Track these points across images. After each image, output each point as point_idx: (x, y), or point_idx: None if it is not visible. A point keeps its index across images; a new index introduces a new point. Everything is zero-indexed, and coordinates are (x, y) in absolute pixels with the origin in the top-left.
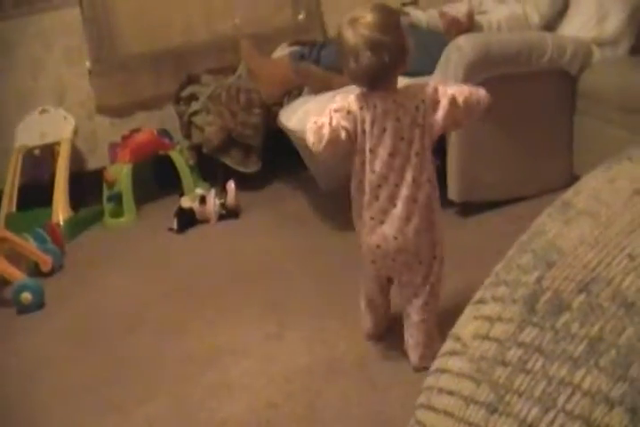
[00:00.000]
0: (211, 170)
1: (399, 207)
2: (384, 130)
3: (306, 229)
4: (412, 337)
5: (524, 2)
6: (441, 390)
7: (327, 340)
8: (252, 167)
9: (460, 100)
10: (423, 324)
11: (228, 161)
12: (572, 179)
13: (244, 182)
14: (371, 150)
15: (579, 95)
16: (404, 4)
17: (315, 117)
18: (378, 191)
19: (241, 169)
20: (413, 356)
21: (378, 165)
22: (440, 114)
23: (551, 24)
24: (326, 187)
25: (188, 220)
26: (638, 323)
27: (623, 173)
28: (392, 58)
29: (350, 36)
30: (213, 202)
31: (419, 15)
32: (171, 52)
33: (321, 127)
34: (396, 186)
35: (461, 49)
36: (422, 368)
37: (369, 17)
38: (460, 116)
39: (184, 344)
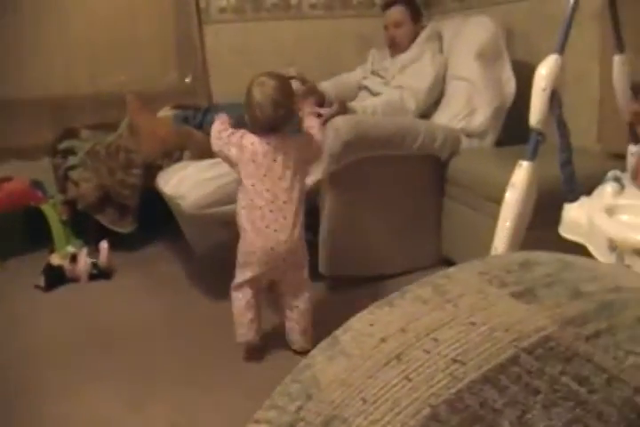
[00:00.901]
0: (85, 227)
1: (288, 219)
2: (274, 160)
3: (178, 294)
4: (299, 324)
5: (402, 89)
6: None
7: (189, 410)
8: (128, 228)
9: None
10: (308, 312)
11: (102, 219)
12: (440, 259)
13: (119, 242)
14: (264, 175)
15: (447, 180)
16: (289, 78)
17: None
18: (271, 206)
19: (116, 229)
20: (301, 340)
21: (270, 187)
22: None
23: (426, 112)
24: (200, 251)
25: (56, 278)
26: None
27: (381, 318)
28: (285, 113)
29: (258, 94)
30: (85, 261)
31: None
32: (52, 103)
33: (219, 138)
34: (284, 202)
35: (338, 129)
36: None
37: (272, 82)
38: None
39: (41, 412)
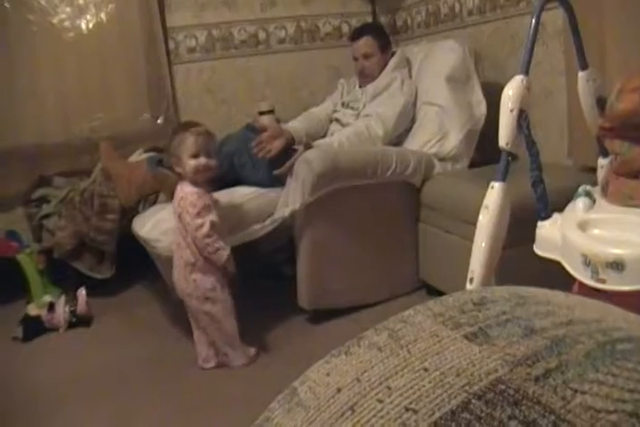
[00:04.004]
0: (62, 275)
1: (179, 260)
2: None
3: (159, 338)
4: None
5: (369, 117)
6: None
7: None
8: (106, 273)
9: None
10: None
11: (80, 266)
12: (419, 284)
13: (98, 288)
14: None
15: (422, 205)
16: (262, 113)
17: None
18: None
19: (94, 275)
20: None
21: (176, 231)
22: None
23: (397, 139)
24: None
25: (34, 328)
26: None
27: (337, 367)
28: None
29: None
30: (63, 309)
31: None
32: (23, 152)
33: None
34: (177, 245)
35: (310, 162)
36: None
37: None
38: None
39: None
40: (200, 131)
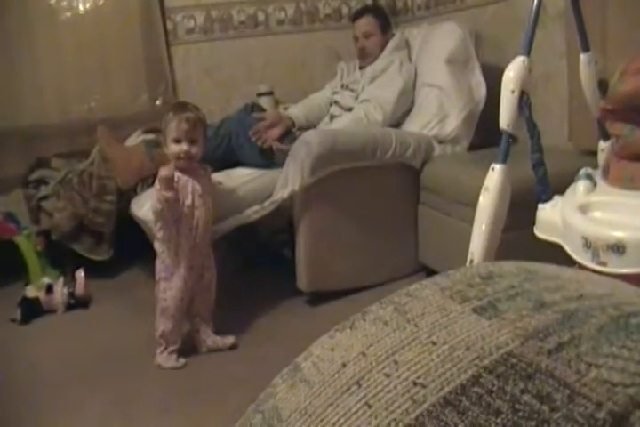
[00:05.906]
0: (60, 256)
1: None
2: None
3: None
4: None
5: (367, 102)
6: None
7: None
8: (104, 255)
9: None
10: None
11: (78, 248)
12: (418, 267)
13: (96, 270)
14: None
15: (421, 187)
16: (260, 95)
17: None
18: None
19: (92, 257)
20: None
21: None
22: None
23: (396, 122)
24: None
25: (32, 310)
26: None
27: (341, 342)
28: None
29: None
30: (61, 291)
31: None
32: (21, 133)
33: None
34: None
35: (309, 143)
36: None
37: None
38: None
39: None
40: (188, 117)
